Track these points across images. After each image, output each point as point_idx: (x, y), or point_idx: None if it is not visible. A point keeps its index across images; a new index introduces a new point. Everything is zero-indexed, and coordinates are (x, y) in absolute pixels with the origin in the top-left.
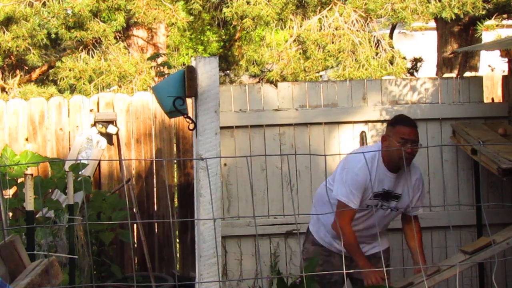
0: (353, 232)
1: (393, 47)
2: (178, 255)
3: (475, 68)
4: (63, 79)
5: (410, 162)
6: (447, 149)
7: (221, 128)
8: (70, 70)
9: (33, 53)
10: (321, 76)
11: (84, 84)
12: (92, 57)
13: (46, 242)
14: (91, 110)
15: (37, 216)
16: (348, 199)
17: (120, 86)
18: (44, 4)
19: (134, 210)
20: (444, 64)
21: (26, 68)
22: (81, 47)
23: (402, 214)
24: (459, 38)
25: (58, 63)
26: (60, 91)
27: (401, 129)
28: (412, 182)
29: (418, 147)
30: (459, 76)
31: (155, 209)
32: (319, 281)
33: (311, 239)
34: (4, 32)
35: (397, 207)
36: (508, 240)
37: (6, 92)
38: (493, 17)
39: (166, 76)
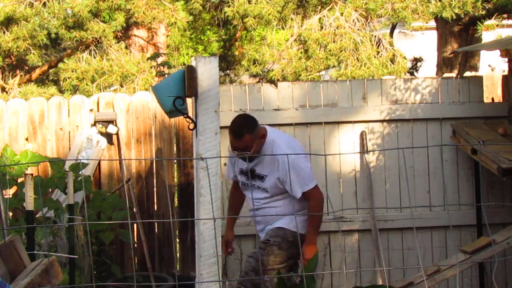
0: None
1: (393, 46)
2: (178, 255)
3: (475, 68)
4: (66, 80)
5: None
6: (447, 149)
7: (221, 128)
8: (72, 71)
9: (33, 53)
10: (321, 75)
11: (87, 84)
12: (94, 57)
13: (46, 242)
14: (91, 110)
15: (37, 216)
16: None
17: (122, 86)
18: (44, 4)
19: (134, 210)
20: (444, 64)
21: (26, 68)
22: (82, 47)
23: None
24: (459, 38)
25: (60, 64)
26: (62, 92)
27: (230, 138)
28: (276, 163)
29: (249, 152)
30: (459, 76)
31: (155, 209)
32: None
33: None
34: (4, 33)
35: (264, 188)
36: (508, 240)
37: (6, 92)
38: (493, 17)
39: (166, 76)
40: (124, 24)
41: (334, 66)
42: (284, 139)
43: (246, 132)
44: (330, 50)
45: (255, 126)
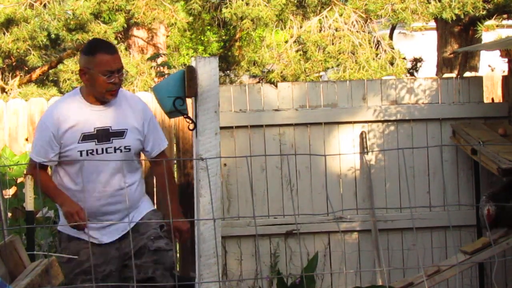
0: (48, 177)
1: (393, 48)
2: (178, 255)
3: (475, 68)
4: (66, 81)
5: (117, 92)
6: (447, 149)
7: (221, 128)
8: (72, 73)
9: (33, 54)
10: (321, 76)
11: None
12: None
13: (46, 242)
14: None
15: (37, 216)
16: (36, 154)
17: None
18: (44, 6)
19: None
20: (444, 64)
21: (26, 68)
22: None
23: (152, 164)
24: (459, 38)
25: (60, 66)
26: (62, 93)
27: (104, 58)
28: (137, 114)
29: (123, 74)
30: (459, 76)
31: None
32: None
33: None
34: (4, 34)
35: (127, 146)
36: (508, 240)
37: (6, 93)
38: (493, 17)
39: (166, 76)
40: (125, 25)
41: (333, 67)
42: None
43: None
44: (328, 53)
45: None
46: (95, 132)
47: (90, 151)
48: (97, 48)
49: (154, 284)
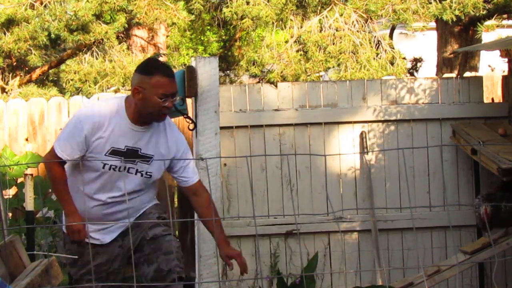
0: (63, 175)
1: (393, 48)
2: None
3: (475, 68)
4: (69, 82)
5: (166, 116)
6: (447, 149)
7: (221, 128)
8: (75, 73)
9: (34, 54)
10: (321, 76)
11: (89, 86)
12: (96, 58)
13: (46, 242)
14: None
15: (37, 216)
16: (61, 148)
17: (123, 86)
18: (45, 6)
19: None
20: (444, 64)
21: (26, 68)
22: (84, 49)
23: (184, 188)
24: (459, 38)
25: (62, 66)
26: (63, 93)
27: (161, 81)
28: (171, 144)
29: (176, 100)
30: (459, 76)
31: None
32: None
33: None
34: (5, 34)
35: (149, 173)
36: (508, 241)
37: (7, 93)
38: (493, 18)
39: None
40: (126, 25)
41: (333, 67)
42: None
43: None
44: (329, 53)
45: None
46: (125, 150)
47: (113, 166)
48: (155, 69)
49: (155, 284)
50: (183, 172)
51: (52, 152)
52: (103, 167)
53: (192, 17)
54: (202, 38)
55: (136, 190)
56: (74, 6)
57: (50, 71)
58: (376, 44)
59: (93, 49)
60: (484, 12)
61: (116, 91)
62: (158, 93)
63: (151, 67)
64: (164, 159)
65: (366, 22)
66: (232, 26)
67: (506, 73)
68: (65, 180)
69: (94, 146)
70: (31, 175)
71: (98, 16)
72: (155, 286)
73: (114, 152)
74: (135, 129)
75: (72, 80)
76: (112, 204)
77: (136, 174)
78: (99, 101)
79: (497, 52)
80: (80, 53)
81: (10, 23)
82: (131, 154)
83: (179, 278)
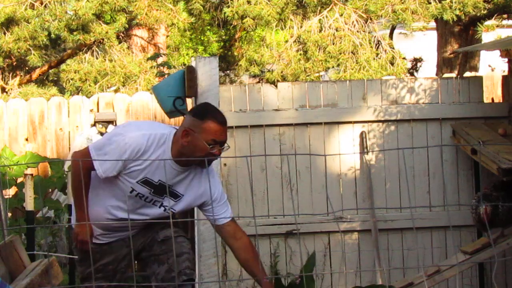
0: (88, 181)
1: (393, 48)
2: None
3: (475, 68)
4: (69, 82)
5: (211, 163)
6: (447, 149)
7: None
8: (75, 72)
9: (34, 54)
10: (321, 76)
11: (90, 86)
12: (96, 58)
13: (46, 242)
14: (91, 110)
15: (37, 216)
16: (100, 163)
17: (124, 85)
18: (45, 6)
19: None
20: (444, 64)
21: (26, 68)
22: (84, 48)
23: (217, 227)
24: (459, 38)
25: (62, 66)
26: (63, 93)
27: (212, 127)
28: (205, 188)
29: (224, 148)
30: (459, 76)
31: None
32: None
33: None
34: (4, 33)
35: (173, 210)
36: (508, 241)
37: (7, 93)
38: (493, 17)
39: (166, 76)
40: (126, 25)
41: (333, 67)
42: None
43: None
44: (329, 53)
45: None
46: (157, 184)
47: (141, 195)
48: (208, 114)
49: (155, 284)
50: (214, 209)
51: (85, 154)
52: (131, 192)
53: (192, 19)
54: (202, 38)
55: (153, 218)
56: (74, 6)
57: (50, 71)
58: (376, 44)
59: (93, 48)
60: (484, 12)
61: (116, 91)
62: (208, 138)
63: (205, 111)
64: (191, 204)
65: (366, 22)
66: (232, 26)
67: (506, 73)
68: (87, 188)
69: (130, 171)
70: (31, 175)
71: (99, 16)
72: (157, 286)
73: (146, 182)
74: (174, 167)
75: (72, 79)
76: (125, 223)
77: (160, 207)
78: (150, 124)
79: (497, 52)
80: (80, 52)
81: (10, 22)
82: (161, 188)
83: (189, 279)
